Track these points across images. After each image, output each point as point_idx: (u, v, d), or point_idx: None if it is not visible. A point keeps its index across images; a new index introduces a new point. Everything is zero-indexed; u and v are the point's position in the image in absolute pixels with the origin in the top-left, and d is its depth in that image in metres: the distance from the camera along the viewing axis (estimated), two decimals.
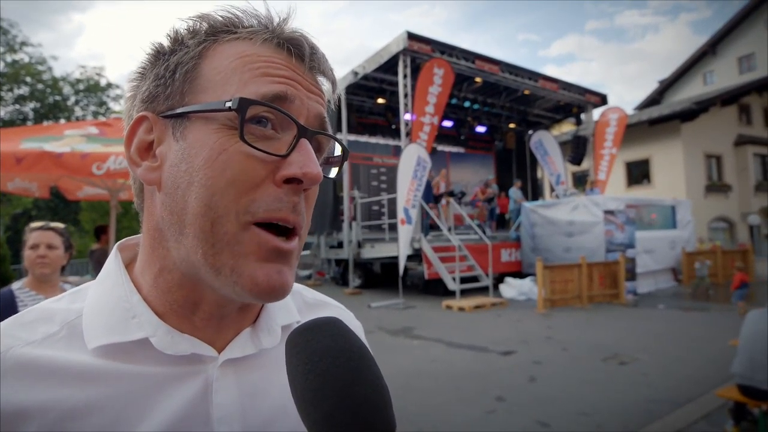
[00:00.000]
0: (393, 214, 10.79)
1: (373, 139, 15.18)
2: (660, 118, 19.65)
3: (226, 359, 0.48)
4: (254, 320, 0.52)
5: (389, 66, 11.74)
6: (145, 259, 0.49)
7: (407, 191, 9.88)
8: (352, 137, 13.95)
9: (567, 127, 19.08)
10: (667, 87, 29.04)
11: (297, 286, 0.60)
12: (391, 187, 12.80)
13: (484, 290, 10.36)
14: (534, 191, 17.79)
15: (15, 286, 2.14)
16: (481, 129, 16.55)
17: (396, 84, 11.86)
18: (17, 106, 19.78)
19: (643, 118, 20.53)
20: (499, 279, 11.19)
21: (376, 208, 13.65)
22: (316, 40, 0.49)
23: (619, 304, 9.53)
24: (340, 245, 12.94)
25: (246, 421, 0.46)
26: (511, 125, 17.14)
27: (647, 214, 12.16)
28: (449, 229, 11.45)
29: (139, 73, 0.49)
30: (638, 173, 21.33)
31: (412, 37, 11.03)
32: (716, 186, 20.40)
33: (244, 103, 0.42)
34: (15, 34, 18.63)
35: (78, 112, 21.24)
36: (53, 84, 20.04)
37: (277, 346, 0.51)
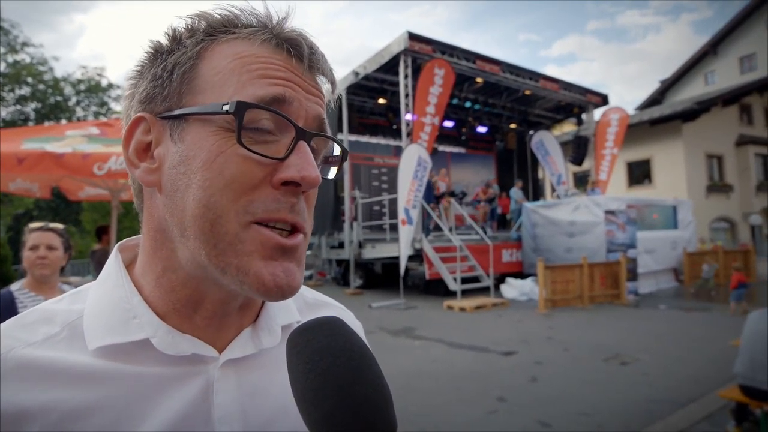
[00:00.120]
0: (394, 214, 10.78)
1: (374, 140, 15.20)
2: (661, 118, 19.64)
3: (227, 359, 0.48)
4: (254, 319, 0.52)
5: (390, 66, 11.75)
6: (146, 260, 0.49)
7: (408, 191, 9.88)
8: (353, 137, 13.96)
9: (568, 128, 19.06)
10: (668, 87, 29.02)
11: None
12: (392, 187, 12.79)
13: (485, 290, 10.36)
14: (535, 191, 17.79)
15: (14, 287, 2.13)
16: (482, 129, 16.56)
17: (397, 84, 11.86)
18: (19, 107, 19.81)
19: (644, 118, 20.52)
20: (500, 279, 11.19)
21: (377, 208, 13.65)
22: (316, 40, 0.48)
23: (620, 305, 9.52)
24: (341, 245, 12.94)
25: (247, 421, 0.46)
26: (512, 125, 17.14)
27: (648, 214, 12.14)
28: (450, 230, 11.45)
29: (137, 72, 0.48)
30: (639, 173, 21.32)
31: (413, 37, 11.04)
32: (717, 186, 20.39)
33: (241, 107, 0.42)
34: (16, 35, 18.67)
35: (79, 112, 21.25)
36: (54, 84, 20.07)
37: (277, 346, 0.51)
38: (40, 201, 18.82)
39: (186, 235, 0.43)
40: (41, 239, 2.14)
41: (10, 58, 18.67)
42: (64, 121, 19.64)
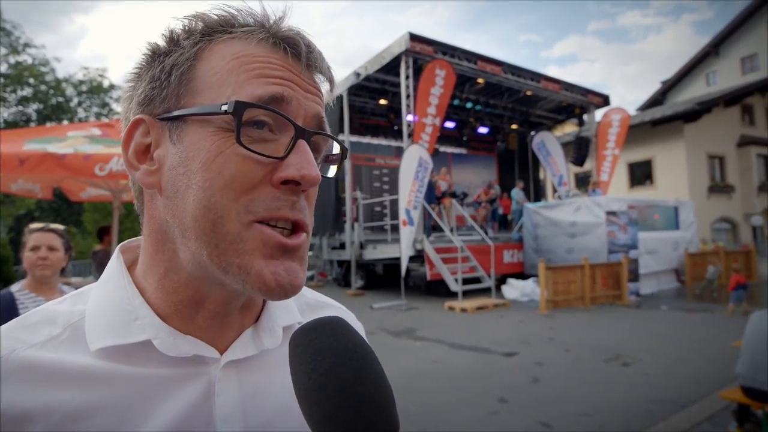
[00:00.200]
0: (395, 215, 10.78)
1: (375, 140, 15.20)
2: (663, 119, 19.62)
3: (228, 360, 0.48)
4: (256, 320, 0.52)
5: (391, 67, 11.74)
6: (147, 261, 0.49)
7: (409, 192, 9.88)
8: (355, 138, 13.96)
9: (569, 128, 19.02)
10: (669, 87, 28.98)
11: None
12: (393, 188, 12.79)
13: (486, 291, 10.34)
14: (536, 192, 17.78)
15: (14, 288, 2.14)
16: (483, 130, 16.55)
17: (398, 85, 11.86)
18: (20, 108, 19.86)
19: (645, 118, 20.51)
20: (501, 280, 11.17)
21: (378, 209, 13.64)
22: (313, 39, 0.48)
23: (621, 305, 9.51)
24: (342, 246, 12.94)
25: (248, 422, 0.46)
26: (514, 126, 17.13)
27: (650, 215, 12.12)
28: (451, 230, 11.45)
29: (135, 74, 0.49)
30: (641, 174, 21.29)
31: (414, 38, 11.03)
32: (719, 187, 20.35)
33: (239, 106, 0.42)
34: (18, 36, 18.74)
35: (81, 113, 21.31)
36: (56, 85, 20.12)
37: (278, 347, 0.51)
38: (41, 202, 18.87)
39: (187, 236, 0.43)
40: (42, 240, 2.14)
41: (12, 59, 18.73)
42: (65, 122, 19.67)
